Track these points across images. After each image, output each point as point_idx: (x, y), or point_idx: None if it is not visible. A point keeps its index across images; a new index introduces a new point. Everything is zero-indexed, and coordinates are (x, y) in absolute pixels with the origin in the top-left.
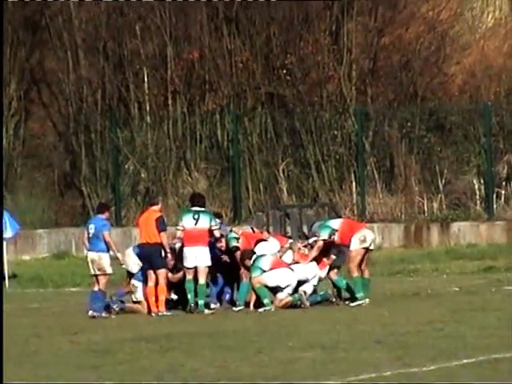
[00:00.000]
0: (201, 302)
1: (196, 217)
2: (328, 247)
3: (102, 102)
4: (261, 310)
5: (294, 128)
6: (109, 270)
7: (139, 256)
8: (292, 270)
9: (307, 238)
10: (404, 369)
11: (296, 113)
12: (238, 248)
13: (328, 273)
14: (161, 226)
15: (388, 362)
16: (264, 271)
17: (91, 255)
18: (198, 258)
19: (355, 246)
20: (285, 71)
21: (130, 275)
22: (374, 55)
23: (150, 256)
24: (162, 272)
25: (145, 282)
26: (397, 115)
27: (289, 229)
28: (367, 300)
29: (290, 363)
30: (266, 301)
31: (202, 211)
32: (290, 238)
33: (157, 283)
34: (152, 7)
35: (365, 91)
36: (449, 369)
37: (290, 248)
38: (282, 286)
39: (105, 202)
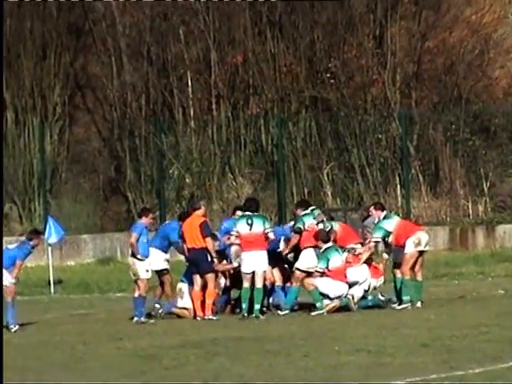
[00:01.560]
0: (257, 307)
1: (249, 222)
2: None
3: (147, 107)
4: (314, 313)
5: (338, 132)
6: (142, 275)
7: (188, 260)
8: (347, 283)
9: None
10: (450, 372)
11: (340, 116)
12: (301, 231)
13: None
14: (205, 230)
15: (434, 366)
16: (327, 267)
17: (129, 260)
18: (255, 262)
19: (410, 248)
20: (329, 75)
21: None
22: (417, 59)
23: (198, 261)
24: (210, 276)
25: (191, 285)
26: (441, 118)
27: None
28: (419, 303)
29: (336, 367)
30: (318, 304)
31: (255, 215)
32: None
33: (204, 287)
34: (196, 11)
35: (409, 95)
36: (495, 372)
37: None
38: (332, 296)
39: (144, 207)
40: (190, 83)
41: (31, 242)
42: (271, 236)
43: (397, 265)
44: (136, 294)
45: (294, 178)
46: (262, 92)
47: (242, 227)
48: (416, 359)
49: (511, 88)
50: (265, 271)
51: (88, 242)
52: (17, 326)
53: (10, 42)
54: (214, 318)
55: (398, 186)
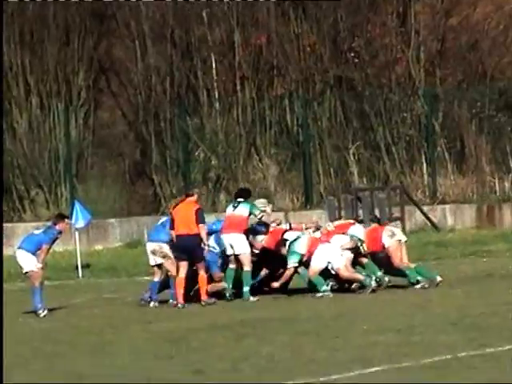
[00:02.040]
0: (246, 289)
1: (236, 205)
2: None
3: (171, 90)
4: (319, 294)
5: (363, 111)
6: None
7: (177, 247)
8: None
9: (379, 221)
10: (479, 350)
11: (365, 96)
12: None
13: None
14: (200, 217)
15: (463, 344)
16: (302, 255)
17: (152, 246)
18: (233, 246)
19: (388, 241)
20: (353, 54)
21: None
22: (441, 36)
23: (191, 247)
24: (202, 263)
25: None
26: (466, 96)
27: (360, 212)
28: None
29: (365, 347)
30: (323, 288)
31: (244, 201)
32: (361, 221)
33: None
34: None
35: (433, 72)
36: None
37: (318, 229)
38: (333, 259)
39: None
40: (214, 65)
41: (57, 227)
42: (256, 214)
43: (389, 269)
44: (156, 279)
45: (319, 158)
46: (286, 73)
47: (228, 209)
48: (445, 337)
49: None
50: (246, 254)
51: (115, 225)
52: (45, 311)
53: (34, 28)
54: (211, 301)
55: (424, 164)
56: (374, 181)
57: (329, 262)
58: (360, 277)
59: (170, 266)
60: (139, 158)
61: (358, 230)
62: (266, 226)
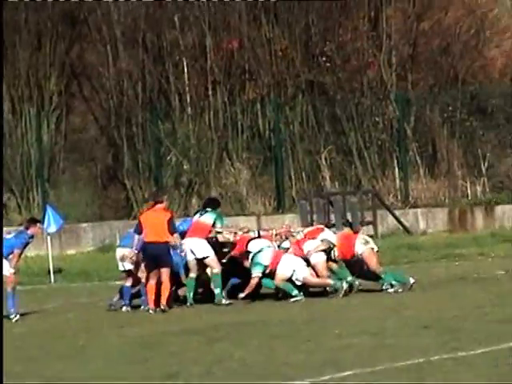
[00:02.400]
0: (217, 291)
1: (202, 213)
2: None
3: (143, 95)
4: (292, 300)
5: (335, 115)
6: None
7: (146, 254)
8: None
9: (351, 225)
10: (452, 353)
11: (337, 100)
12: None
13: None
14: (173, 227)
15: (436, 347)
16: (265, 266)
17: (122, 251)
18: (194, 250)
19: (362, 248)
20: (324, 58)
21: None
22: (413, 40)
23: (159, 254)
24: (166, 270)
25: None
26: (438, 100)
27: (332, 216)
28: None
29: (338, 350)
30: (294, 293)
31: (212, 211)
32: (333, 225)
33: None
34: None
35: (405, 77)
36: (497, 352)
37: (287, 238)
38: (297, 269)
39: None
40: (185, 70)
41: (29, 231)
42: (218, 226)
43: (361, 274)
44: (129, 284)
45: (291, 163)
46: (258, 77)
47: (195, 217)
48: (418, 340)
49: (507, 68)
50: (211, 256)
51: (87, 230)
52: (18, 316)
53: (5, 32)
54: (167, 309)
55: (396, 169)
56: (346, 185)
57: (294, 271)
58: (329, 282)
59: (140, 272)
60: (111, 162)
61: (329, 235)
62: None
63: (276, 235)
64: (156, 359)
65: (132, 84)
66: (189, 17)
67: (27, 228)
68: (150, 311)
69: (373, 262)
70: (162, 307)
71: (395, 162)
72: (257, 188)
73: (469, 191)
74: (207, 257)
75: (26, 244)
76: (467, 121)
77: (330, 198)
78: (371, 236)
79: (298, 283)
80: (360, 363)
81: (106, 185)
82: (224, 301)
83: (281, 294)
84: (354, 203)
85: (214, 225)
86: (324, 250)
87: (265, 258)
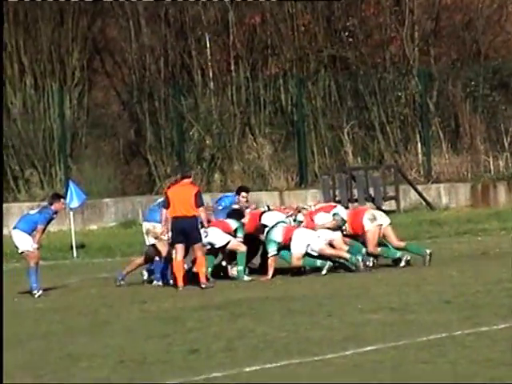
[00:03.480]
0: (240, 268)
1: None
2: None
3: (165, 70)
4: (323, 272)
5: (357, 90)
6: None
7: (174, 229)
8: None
9: (373, 200)
10: (474, 328)
11: (359, 75)
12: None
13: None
14: (199, 200)
15: (458, 322)
16: (279, 243)
17: (146, 225)
18: (213, 241)
19: (368, 226)
20: (347, 34)
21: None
22: (435, 15)
23: (189, 230)
24: (199, 246)
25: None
26: (460, 75)
27: (355, 191)
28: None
29: (359, 326)
30: (318, 264)
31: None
32: (356, 200)
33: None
34: None
35: (428, 51)
36: None
37: (299, 211)
38: (312, 244)
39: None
40: (208, 45)
41: (52, 207)
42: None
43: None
44: (157, 258)
45: (314, 138)
46: (280, 52)
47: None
48: (440, 316)
49: None
50: (232, 241)
51: (110, 205)
52: (40, 291)
53: (27, 8)
54: (212, 285)
55: (419, 144)
56: (369, 160)
57: (308, 245)
58: (345, 254)
59: (161, 246)
60: (133, 137)
61: (341, 211)
62: (240, 214)
63: (285, 209)
64: (177, 334)
65: (154, 59)
66: None
67: (51, 204)
68: (179, 288)
69: (371, 243)
70: (203, 285)
71: (418, 136)
72: (279, 163)
73: (491, 166)
74: (229, 242)
75: (50, 220)
76: (490, 96)
77: (352, 173)
78: (393, 211)
79: (314, 254)
80: (382, 338)
81: (129, 160)
82: (246, 277)
83: (306, 269)
84: (377, 178)
85: (235, 231)
86: (331, 228)
87: (277, 235)
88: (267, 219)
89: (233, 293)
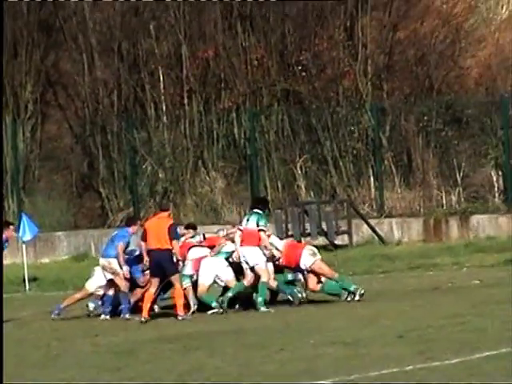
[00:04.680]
0: (260, 300)
1: (249, 218)
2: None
3: (118, 103)
4: (210, 312)
5: (310, 124)
6: (119, 270)
7: (151, 262)
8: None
9: (326, 234)
10: (426, 363)
11: (312, 109)
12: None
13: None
14: (173, 233)
15: (410, 357)
16: (191, 275)
17: (103, 261)
18: (247, 259)
19: (311, 260)
20: (300, 68)
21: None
22: (389, 50)
23: (164, 262)
24: (176, 277)
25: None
26: (413, 109)
27: (308, 225)
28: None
29: (312, 360)
30: (213, 304)
31: (255, 213)
32: (308, 234)
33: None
34: (166, 6)
35: (381, 86)
36: (471, 362)
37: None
38: (220, 274)
39: (132, 216)
40: (161, 78)
41: (3, 235)
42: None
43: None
44: (111, 292)
45: (267, 172)
46: (233, 86)
47: (243, 222)
48: (392, 350)
49: (482, 78)
50: (260, 264)
51: (62, 238)
52: None
53: None
54: (189, 317)
55: (371, 178)
56: (321, 194)
57: (216, 276)
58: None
59: (119, 281)
60: (86, 171)
61: (275, 241)
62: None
63: (226, 235)
64: (129, 368)
65: (107, 92)
66: (164, 25)
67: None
68: (142, 319)
69: (326, 270)
70: (180, 317)
71: (370, 171)
72: (232, 197)
73: (444, 201)
74: (256, 264)
75: (1, 249)
76: (442, 130)
77: (305, 207)
78: (345, 246)
79: (222, 284)
80: (334, 372)
81: (81, 193)
82: (263, 308)
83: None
84: (330, 212)
85: (258, 225)
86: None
87: (187, 269)
88: (191, 254)
89: (186, 326)
